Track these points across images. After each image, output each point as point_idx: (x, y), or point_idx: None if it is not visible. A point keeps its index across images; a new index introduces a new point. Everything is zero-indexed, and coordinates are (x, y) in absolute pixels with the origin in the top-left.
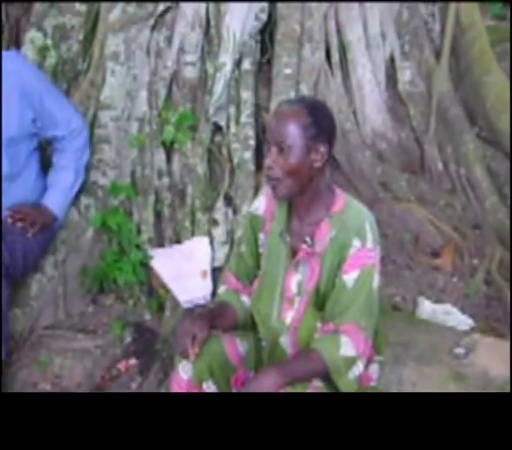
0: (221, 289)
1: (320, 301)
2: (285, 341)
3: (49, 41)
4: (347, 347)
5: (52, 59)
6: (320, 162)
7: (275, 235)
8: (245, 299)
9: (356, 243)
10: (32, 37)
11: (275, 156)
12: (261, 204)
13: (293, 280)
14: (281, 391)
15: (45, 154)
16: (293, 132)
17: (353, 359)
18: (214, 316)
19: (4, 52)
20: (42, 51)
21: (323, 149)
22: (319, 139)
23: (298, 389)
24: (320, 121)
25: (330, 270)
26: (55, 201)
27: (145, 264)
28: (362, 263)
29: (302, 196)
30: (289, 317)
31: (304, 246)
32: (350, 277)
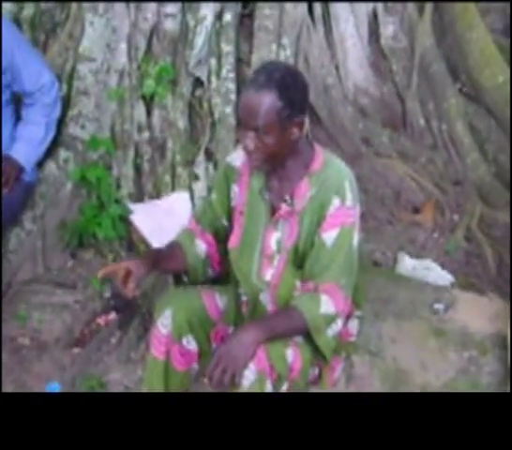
0: (182, 228)
1: (299, 259)
2: (265, 298)
3: None
4: (327, 305)
5: (29, 10)
6: (298, 132)
7: (254, 193)
8: (199, 242)
9: (336, 201)
10: None
11: (252, 140)
12: (239, 156)
13: (273, 238)
14: (261, 347)
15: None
16: (267, 119)
17: (332, 317)
18: (158, 258)
19: None
20: (20, 1)
21: (298, 120)
22: (293, 115)
23: (278, 345)
24: (292, 99)
25: (309, 228)
26: (23, 153)
27: (125, 219)
28: (341, 222)
29: (283, 160)
30: (269, 274)
31: (283, 204)
32: (329, 236)
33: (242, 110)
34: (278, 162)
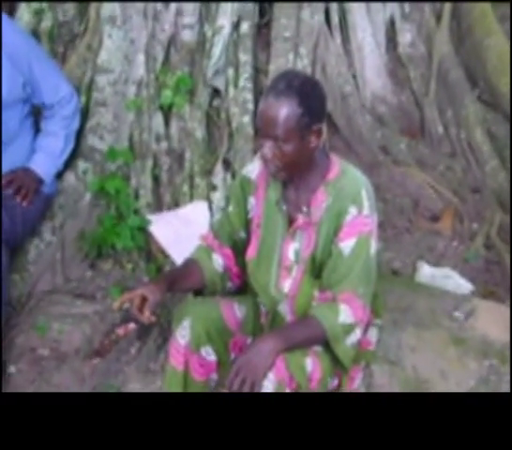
0: (197, 245)
1: (317, 269)
2: (284, 309)
3: (45, 4)
4: (345, 314)
5: (48, 22)
6: (316, 141)
7: (271, 204)
8: (216, 257)
9: (353, 210)
10: None
11: (271, 148)
12: (255, 168)
13: (291, 249)
14: (280, 357)
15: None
16: (287, 126)
17: (351, 326)
18: (174, 279)
19: None
20: (38, 13)
21: (317, 128)
22: (312, 122)
23: (297, 355)
24: (311, 107)
25: (327, 238)
26: (42, 164)
27: (144, 229)
28: (359, 231)
29: (300, 170)
30: (287, 285)
31: (300, 214)
32: (346, 245)
33: (261, 118)
34: (296, 171)
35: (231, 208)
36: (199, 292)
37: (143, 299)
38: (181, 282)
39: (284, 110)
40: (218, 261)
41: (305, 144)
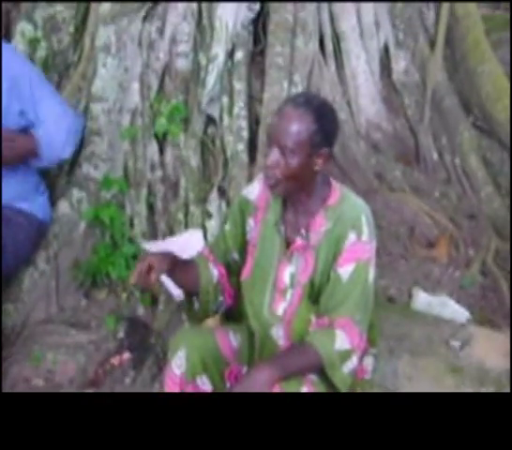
0: (197, 252)
1: (314, 294)
2: (276, 333)
3: (39, 33)
4: (342, 341)
5: (42, 51)
6: (321, 164)
7: (269, 226)
8: (212, 267)
9: (352, 236)
10: (22, 28)
11: (276, 157)
12: (255, 190)
13: (286, 272)
14: (276, 386)
15: None
16: (298, 138)
17: (347, 353)
18: (177, 262)
19: None
20: (33, 42)
21: (325, 152)
22: (322, 144)
23: (293, 384)
24: (326, 127)
25: (325, 263)
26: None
27: (138, 258)
28: (358, 257)
29: (299, 191)
30: (281, 308)
31: (298, 237)
32: (345, 271)
33: (274, 125)
34: (293, 189)
35: (227, 227)
36: (191, 307)
37: (150, 267)
38: (181, 271)
39: (300, 121)
40: (213, 271)
41: (310, 164)
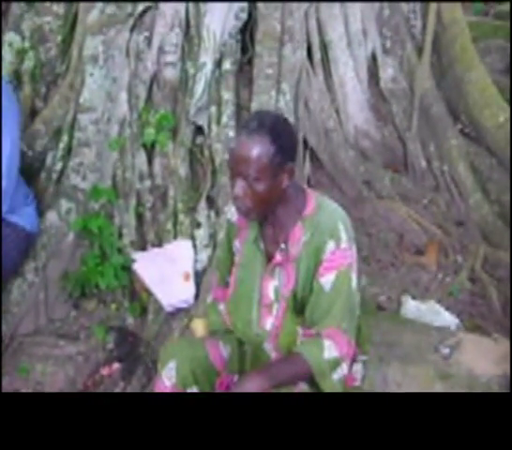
0: (208, 298)
1: (298, 306)
2: (268, 347)
3: (27, 44)
4: (330, 350)
5: (30, 62)
6: (288, 179)
7: (249, 243)
8: (221, 307)
9: (331, 244)
10: (10, 39)
11: (242, 187)
12: (235, 211)
13: (270, 287)
14: None
15: (25, 159)
16: (259, 165)
17: (336, 361)
18: None
19: None
20: (20, 53)
21: (288, 167)
22: (284, 161)
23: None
24: (284, 145)
25: (306, 274)
26: None
27: (127, 268)
28: (338, 265)
29: (273, 208)
30: (269, 323)
31: (278, 251)
32: (327, 280)
33: (233, 156)
34: (267, 210)
35: (219, 253)
36: None
37: None
38: None
39: (256, 148)
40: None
41: (276, 184)
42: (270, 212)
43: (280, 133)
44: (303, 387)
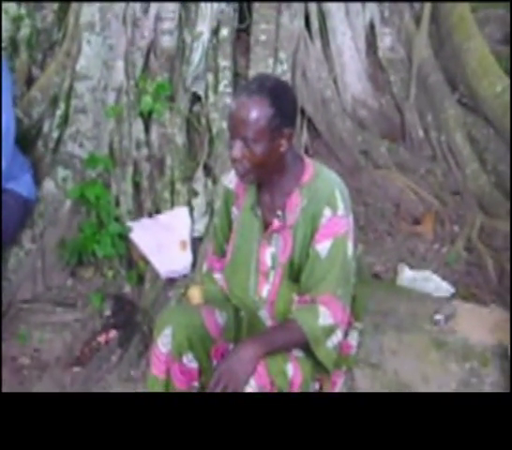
0: (203, 267)
1: (295, 273)
2: (264, 314)
3: (23, 11)
4: (325, 316)
5: (26, 29)
6: (286, 145)
7: (247, 209)
8: (217, 275)
9: (327, 212)
10: (6, 7)
11: (240, 148)
12: (233, 178)
13: (267, 253)
14: (261, 362)
15: (22, 126)
16: (258, 126)
17: (331, 328)
18: None
19: None
20: (16, 21)
21: (287, 131)
22: (283, 125)
23: (278, 360)
24: (283, 108)
25: (303, 241)
26: None
27: (124, 236)
28: (334, 232)
29: (270, 173)
30: (265, 290)
31: (275, 218)
32: (323, 247)
33: (232, 117)
34: (264, 174)
35: (216, 221)
36: None
37: None
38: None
39: (256, 109)
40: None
41: (275, 147)
42: (268, 179)
43: (280, 96)
44: (297, 354)
